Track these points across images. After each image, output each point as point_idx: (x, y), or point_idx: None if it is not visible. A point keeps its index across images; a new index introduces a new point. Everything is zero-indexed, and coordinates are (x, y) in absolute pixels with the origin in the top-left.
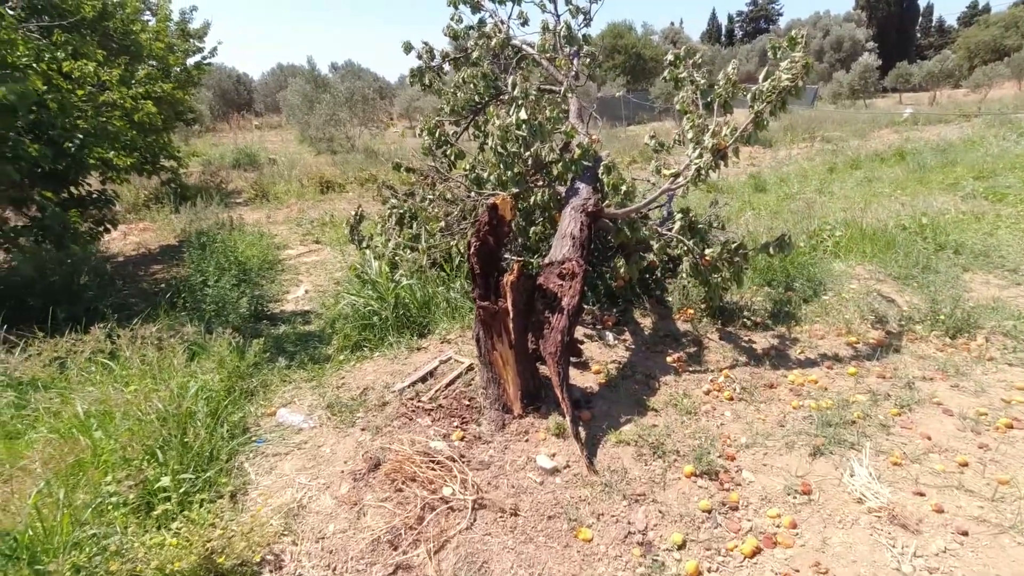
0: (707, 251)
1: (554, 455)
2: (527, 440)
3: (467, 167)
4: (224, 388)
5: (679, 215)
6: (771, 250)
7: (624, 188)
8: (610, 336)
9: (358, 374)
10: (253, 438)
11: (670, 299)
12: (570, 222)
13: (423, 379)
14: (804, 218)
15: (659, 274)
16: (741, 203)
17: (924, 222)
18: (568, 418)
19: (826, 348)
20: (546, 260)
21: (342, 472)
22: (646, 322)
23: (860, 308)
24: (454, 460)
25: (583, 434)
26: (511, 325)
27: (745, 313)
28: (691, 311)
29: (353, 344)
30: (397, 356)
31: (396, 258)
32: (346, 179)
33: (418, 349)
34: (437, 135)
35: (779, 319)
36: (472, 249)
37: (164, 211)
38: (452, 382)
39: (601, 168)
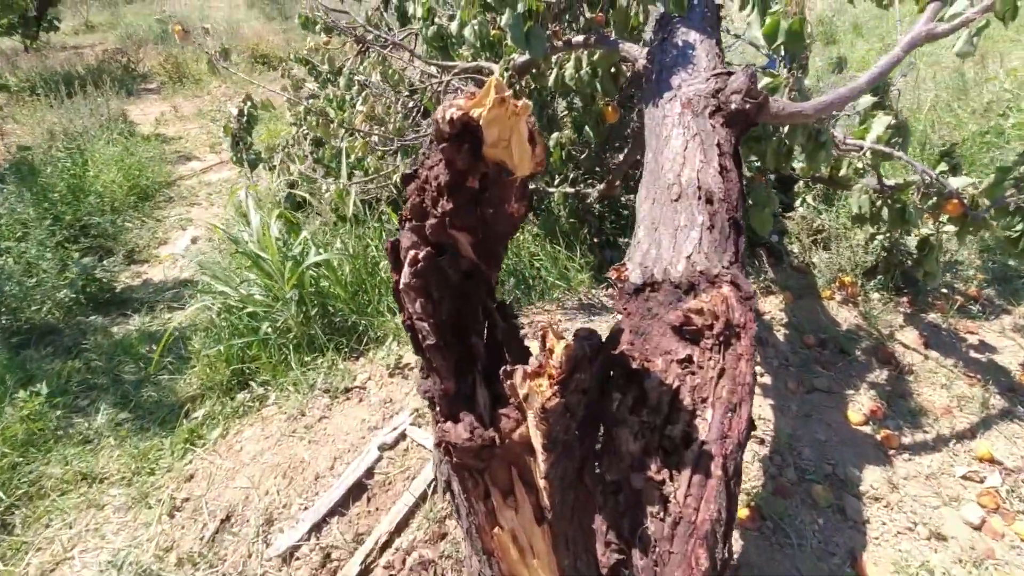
0: (956, 180)
1: None
2: None
3: (422, 15)
4: None
5: (871, 102)
6: None
7: (801, 41)
8: None
9: (223, 465)
10: None
11: (793, 248)
12: (686, 146)
13: (341, 505)
14: (969, 85)
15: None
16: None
17: None
18: None
19: None
20: (626, 270)
21: None
22: (771, 307)
23: None
24: None
25: None
26: (541, 475)
27: (946, 277)
28: (848, 281)
29: (229, 379)
30: (306, 411)
31: (308, 198)
32: (290, 51)
33: (346, 392)
34: None
35: (1004, 286)
36: (408, 276)
37: (45, 103)
38: (405, 522)
39: None
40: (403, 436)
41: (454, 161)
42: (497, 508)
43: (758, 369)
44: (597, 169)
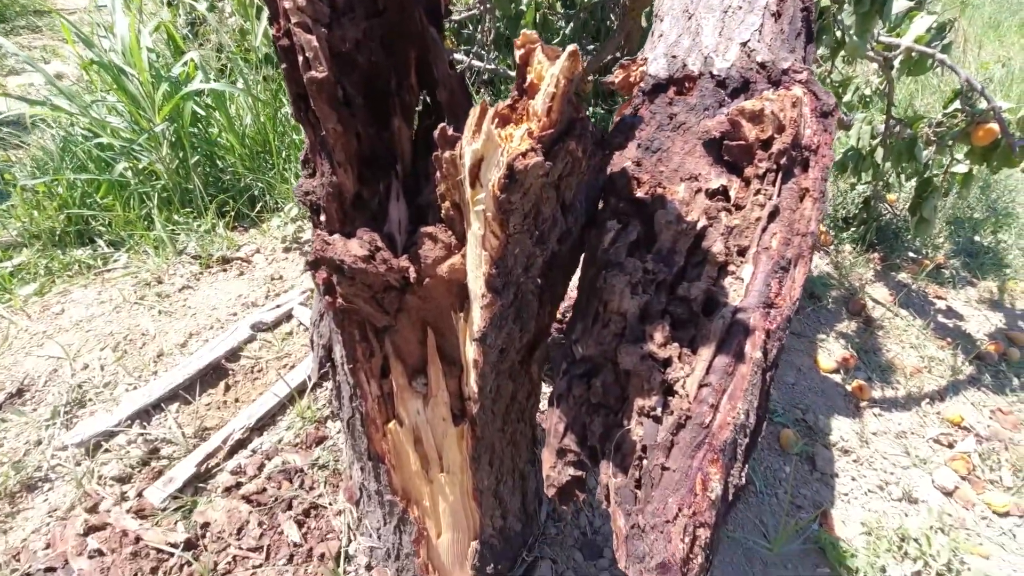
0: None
1: None
2: None
3: None
4: None
5: (907, 7)
6: None
7: None
8: None
9: (30, 328)
10: None
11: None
12: None
13: (187, 389)
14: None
15: None
16: None
17: None
18: None
19: None
20: (641, 64)
21: None
22: None
23: None
24: None
25: None
26: (474, 336)
27: (915, 243)
28: (821, 228)
29: (64, 227)
30: (164, 278)
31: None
32: None
33: (223, 263)
34: None
35: (971, 260)
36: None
37: None
38: (272, 419)
39: None
40: (288, 316)
41: None
42: (397, 392)
43: None
44: None
